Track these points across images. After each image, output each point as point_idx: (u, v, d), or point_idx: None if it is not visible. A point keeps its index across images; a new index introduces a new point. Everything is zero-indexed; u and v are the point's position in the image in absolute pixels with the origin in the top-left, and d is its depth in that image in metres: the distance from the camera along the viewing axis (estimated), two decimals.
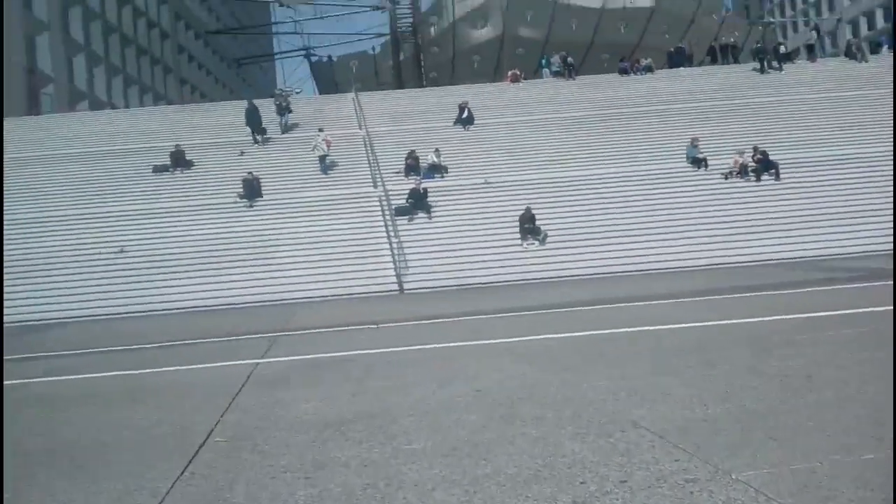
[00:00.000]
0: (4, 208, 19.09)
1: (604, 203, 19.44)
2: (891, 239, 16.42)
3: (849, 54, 31.09)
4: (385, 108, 27.67)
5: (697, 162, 20.67)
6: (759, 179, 19.79)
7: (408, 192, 19.73)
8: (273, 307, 15.03)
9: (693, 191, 19.71)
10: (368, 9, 52.17)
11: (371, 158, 22.47)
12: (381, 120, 26.29)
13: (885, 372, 4.27)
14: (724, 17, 49.15)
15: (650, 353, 5.84)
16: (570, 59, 30.72)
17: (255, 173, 20.91)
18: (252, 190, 20.38)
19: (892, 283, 9.84)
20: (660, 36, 41.95)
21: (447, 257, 17.51)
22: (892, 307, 7.19)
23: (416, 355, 6.74)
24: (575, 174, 20.89)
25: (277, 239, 18.57)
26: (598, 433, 3.48)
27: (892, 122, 21.81)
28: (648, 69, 29.97)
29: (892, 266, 11.94)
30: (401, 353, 6.91)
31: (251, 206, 20.20)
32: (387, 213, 19.27)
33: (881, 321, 6.29)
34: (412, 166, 21.54)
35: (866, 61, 29.71)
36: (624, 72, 29.96)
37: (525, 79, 30.63)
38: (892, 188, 18.21)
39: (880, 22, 65.90)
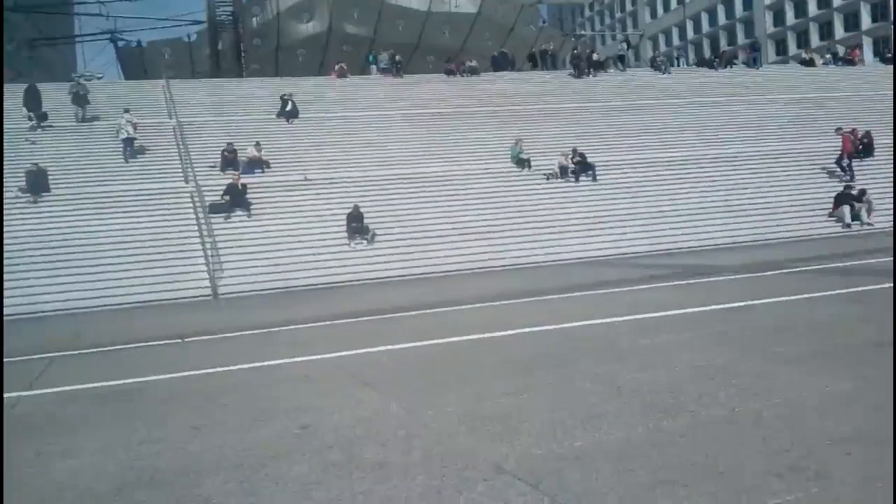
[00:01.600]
0: None
1: (431, 202, 19.09)
2: (699, 238, 17.60)
3: (654, 66, 33.50)
4: (200, 98, 25.49)
5: (521, 162, 20.96)
6: (577, 180, 20.43)
7: (224, 187, 18.12)
8: (63, 318, 12.95)
9: (518, 191, 19.91)
10: None
11: (182, 151, 20.46)
12: (196, 110, 24.16)
13: (763, 380, 3.98)
14: (541, 27, 51.37)
15: (497, 365, 5.27)
16: (398, 58, 30.28)
17: (40, 164, 18.20)
18: (37, 183, 17.70)
19: (708, 280, 10.26)
20: (483, 42, 42.94)
21: (268, 258, 16.20)
22: (716, 306, 7.28)
23: (227, 379, 5.69)
24: (403, 172, 20.36)
25: (68, 239, 16.22)
26: (457, 486, 2.77)
27: (694, 128, 23.62)
28: (473, 71, 30.28)
29: (702, 264, 12.59)
30: (207, 378, 5.82)
31: (36, 202, 17.53)
32: (199, 210, 17.53)
33: (721, 321, 6.23)
34: (230, 160, 19.87)
35: (669, 73, 32.12)
36: (450, 72, 30.03)
37: (352, 74, 29.77)
38: (698, 191, 19.60)
39: (676, 39, 72.68)
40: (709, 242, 17.59)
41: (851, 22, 55.64)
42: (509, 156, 21.20)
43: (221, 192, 17.97)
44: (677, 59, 38.94)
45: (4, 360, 7.49)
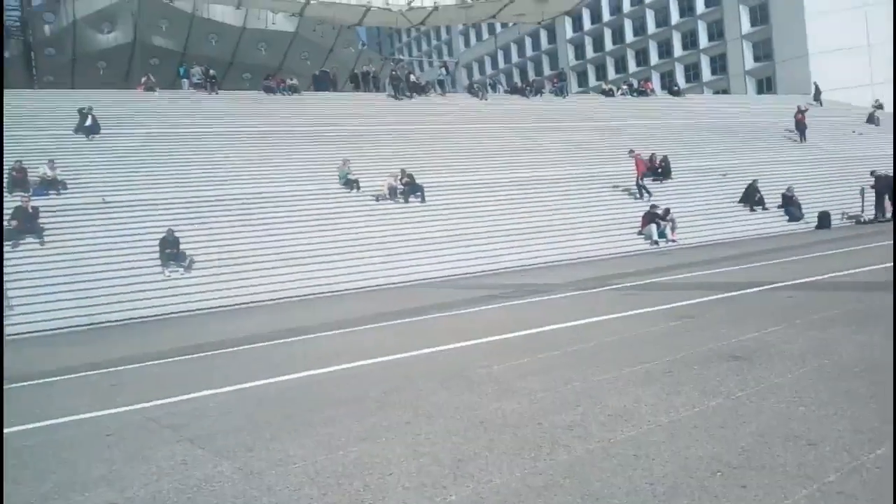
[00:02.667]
0: None
1: (252, 224, 18.03)
2: (523, 257, 18.10)
3: (471, 91, 34.65)
4: None
5: (350, 183, 20.51)
6: (407, 201, 20.34)
7: (11, 211, 15.86)
8: None
9: (347, 212, 19.43)
10: None
11: None
12: None
13: (628, 402, 3.79)
14: (360, 49, 51.43)
15: (345, 404, 4.72)
16: (212, 72, 28.69)
17: None
18: None
19: (543, 298, 10.39)
20: (301, 61, 42.15)
21: (67, 291, 14.32)
22: (559, 324, 7.27)
23: (10, 444, 4.62)
24: (222, 193, 19.11)
25: None
26: None
27: (513, 152, 24.49)
28: (294, 89, 29.45)
29: (533, 283, 12.84)
30: None
31: None
32: None
33: (569, 340, 6.15)
34: (18, 180, 17.51)
35: (486, 98, 33.33)
36: (269, 90, 28.96)
37: (161, 89, 27.70)
38: (521, 212, 20.26)
39: (488, 68, 76.15)
40: (532, 261, 18.13)
41: (642, 58, 61.53)
42: (337, 176, 20.65)
43: (9, 217, 15.70)
44: (492, 85, 40.60)
45: None
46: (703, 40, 56.16)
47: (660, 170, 24.83)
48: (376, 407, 4.53)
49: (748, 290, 8.47)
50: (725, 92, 50.58)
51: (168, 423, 4.71)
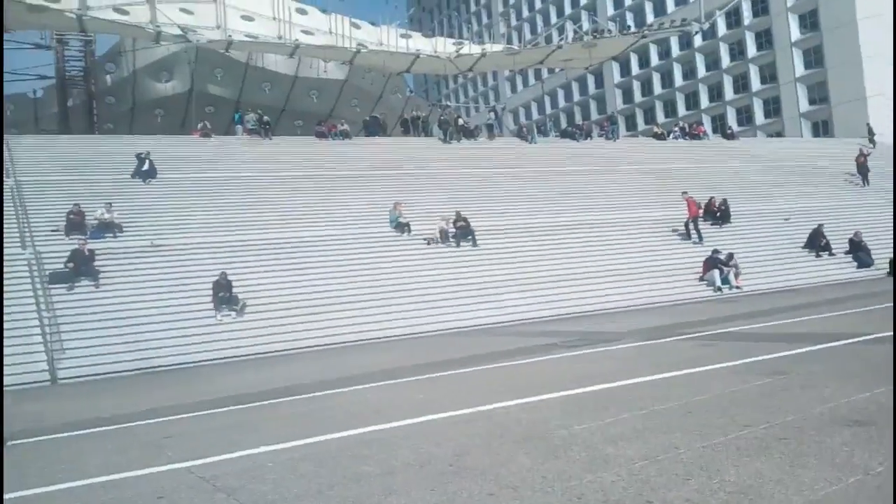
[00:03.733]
0: None
1: (307, 269, 17.90)
2: (581, 303, 17.50)
3: (520, 135, 34.50)
4: (45, 155, 23.02)
5: (401, 227, 20.33)
6: (458, 245, 20.02)
7: (68, 253, 16.04)
8: None
9: (400, 256, 19.19)
10: (29, 46, 44.87)
11: (21, 213, 18.11)
12: (39, 168, 21.73)
13: (741, 477, 3.26)
14: (408, 96, 52.14)
15: (412, 468, 4.27)
16: (266, 118, 29.16)
17: None
18: None
19: (608, 348, 9.83)
20: (351, 108, 42.80)
21: (120, 334, 14.26)
22: (634, 379, 6.73)
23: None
24: (275, 237, 19.08)
25: None
26: None
27: (567, 195, 24.06)
28: (346, 134, 29.71)
29: (593, 331, 12.27)
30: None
31: None
32: (37, 280, 15.32)
33: (650, 396, 5.60)
34: (76, 223, 17.79)
35: (535, 142, 33.11)
36: (321, 135, 29.27)
37: (217, 135, 28.25)
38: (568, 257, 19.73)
39: (535, 112, 76.40)
40: (590, 308, 17.50)
41: (692, 101, 60.88)
42: (388, 220, 20.50)
43: (65, 259, 15.88)
44: (540, 129, 40.49)
45: None
46: (756, 83, 55.34)
47: (718, 214, 24.07)
48: (451, 472, 4.07)
49: (837, 343, 7.79)
50: (780, 135, 49.51)
51: (222, 484, 4.33)
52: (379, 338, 15.23)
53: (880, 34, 45.45)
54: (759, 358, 7.19)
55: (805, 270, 21.60)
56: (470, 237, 20.15)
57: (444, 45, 40.69)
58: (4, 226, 17.64)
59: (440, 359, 10.24)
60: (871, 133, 41.30)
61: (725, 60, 57.74)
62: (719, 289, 19.05)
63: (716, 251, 19.94)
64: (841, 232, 23.51)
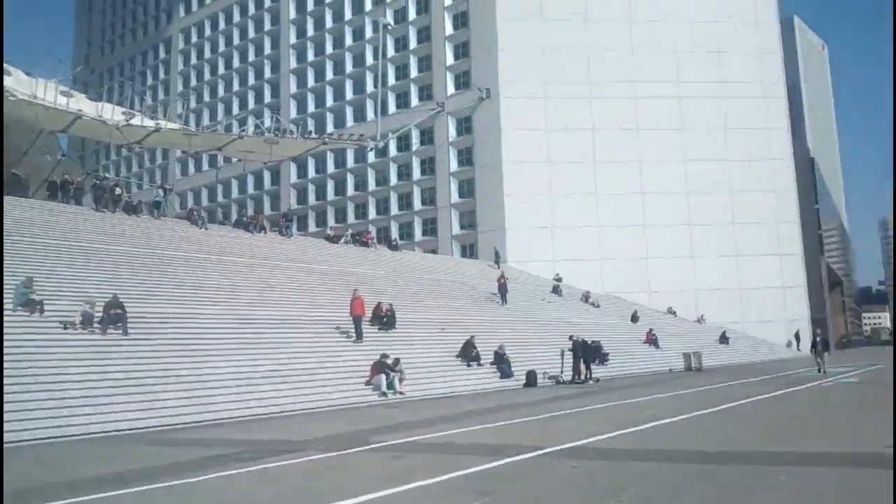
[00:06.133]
0: None
1: None
2: (243, 406, 15.94)
3: (190, 219, 32.28)
4: None
5: (31, 304, 16.81)
6: (105, 332, 17.11)
7: None
8: None
9: (27, 340, 15.64)
10: None
11: None
12: None
13: None
14: (59, 159, 46.08)
15: None
16: None
17: None
18: None
19: (292, 462, 8.73)
20: None
21: None
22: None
23: None
24: None
25: None
26: None
27: (233, 286, 22.59)
28: None
29: (271, 439, 11.04)
30: None
31: None
32: None
33: None
34: None
35: (206, 228, 31.21)
36: None
37: None
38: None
39: (205, 199, 73.28)
40: (253, 412, 15.95)
41: (361, 211, 64.22)
42: (13, 297, 16.80)
43: None
44: (217, 217, 38.66)
45: None
46: (418, 203, 60.60)
47: (385, 318, 24.74)
48: None
49: (525, 456, 7.87)
50: (434, 252, 54.27)
51: None
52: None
53: (519, 177, 53.61)
54: (459, 473, 6.85)
55: (459, 378, 22.99)
56: (120, 324, 17.39)
57: (111, 112, 37.07)
58: None
59: (75, 475, 8.02)
60: (497, 258, 47.72)
61: (394, 179, 62.47)
62: (384, 393, 19.13)
63: (384, 356, 20.16)
64: (487, 344, 25.82)
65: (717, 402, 13.84)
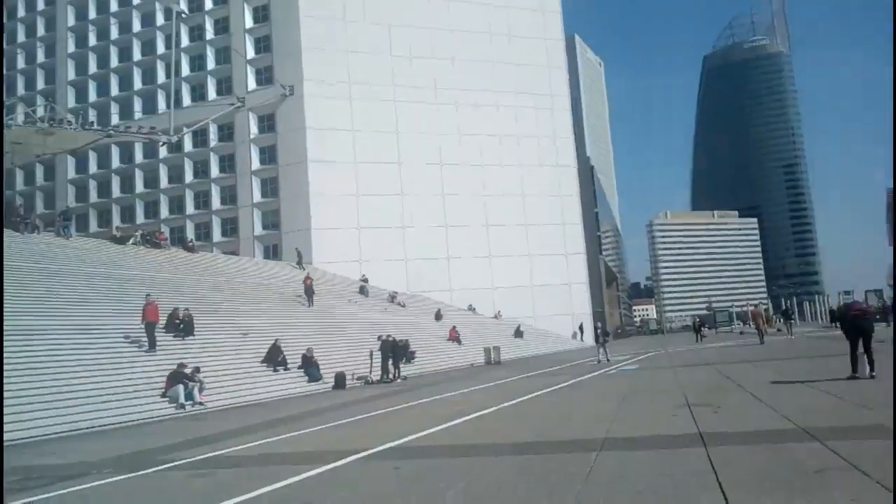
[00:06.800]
0: None
1: None
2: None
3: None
4: None
5: None
6: None
7: None
8: None
9: None
10: None
11: None
12: None
13: None
14: None
15: None
16: None
17: None
18: None
19: (77, 488, 7.69)
20: None
21: None
22: None
23: None
24: None
25: None
26: None
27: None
28: None
29: (47, 464, 9.69)
30: None
31: None
32: None
33: None
34: None
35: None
36: None
37: None
38: None
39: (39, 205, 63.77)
40: (30, 433, 14.03)
41: (152, 210, 59.54)
42: None
43: None
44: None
45: None
46: (217, 203, 57.47)
47: (181, 325, 23.06)
48: None
49: (345, 461, 7.58)
50: (235, 253, 51.80)
51: None
52: None
53: (325, 177, 52.83)
54: (275, 486, 6.40)
55: (265, 385, 22.05)
56: None
57: None
58: None
59: None
60: (300, 258, 46.69)
61: (189, 176, 58.66)
62: (182, 406, 17.78)
63: (181, 365, 18.76)
64: (294, 348, 25.07)
65: (522, 393, 14.49)
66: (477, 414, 11.30)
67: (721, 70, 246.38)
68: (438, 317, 44.62)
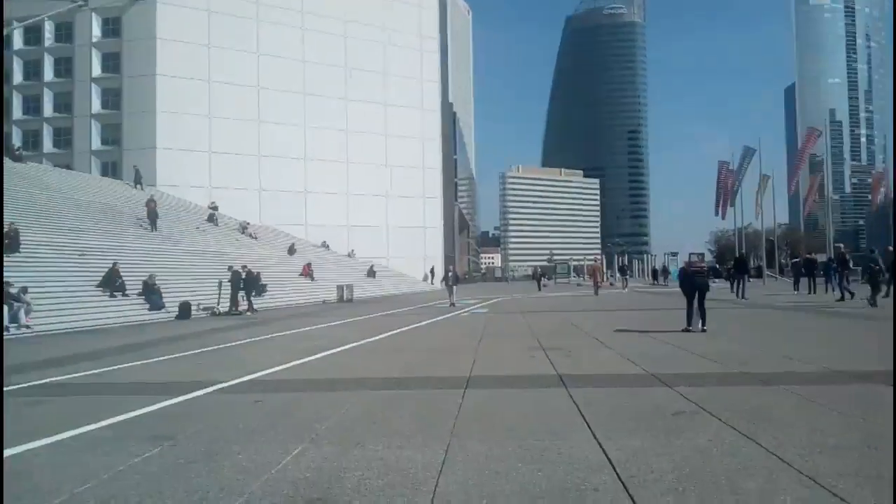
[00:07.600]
0: None
1: None
2: None
3: None
4: None
5: None
6: None
7: None
8: None
9: None
10: None
11: None
12: None
13: None
14: None
15: None
16: None
17: None
18: None
19: None
20: None
21: None
22: None
23: None
24: None
25: None
26: None
27: None
28: None
29: None
30: None
31: None
32: None
33: None
34: None
35: None
36: None
37: None
38: None
39: None
40: None
41: None
42: None
43: None
44: None
45: None
46: (49, 109, 51.95)
47: (7, 240, 20.87)
48: None
49: (199, 392, 7.22)
50: (69, 167, 47.36)
51: None
52: None
53: (175, 93, 49.15)
54: (126, 416, 5.97)
55: (102, 310, 20.62)
56: None
57: None
58: None
59: None
60: (138, 177, 43.42)
61: (18, 77, 52.42)
62: (6, 328, 16.23)
63: (8, 283, 17.04)
64: (134, 274, 23.55)
65: (381, 330, 14.54)
66: (338, 349, 11.19)
67: (580, 33, 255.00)
68: (292, 251, 43.64)
